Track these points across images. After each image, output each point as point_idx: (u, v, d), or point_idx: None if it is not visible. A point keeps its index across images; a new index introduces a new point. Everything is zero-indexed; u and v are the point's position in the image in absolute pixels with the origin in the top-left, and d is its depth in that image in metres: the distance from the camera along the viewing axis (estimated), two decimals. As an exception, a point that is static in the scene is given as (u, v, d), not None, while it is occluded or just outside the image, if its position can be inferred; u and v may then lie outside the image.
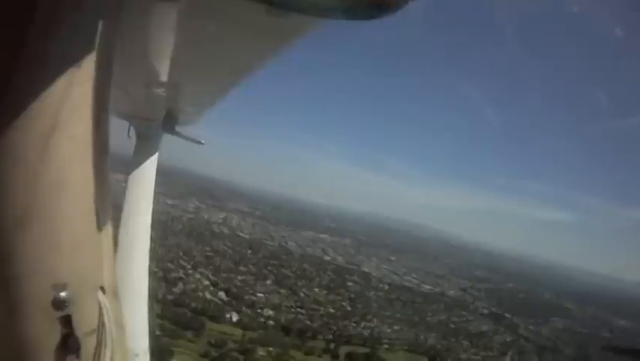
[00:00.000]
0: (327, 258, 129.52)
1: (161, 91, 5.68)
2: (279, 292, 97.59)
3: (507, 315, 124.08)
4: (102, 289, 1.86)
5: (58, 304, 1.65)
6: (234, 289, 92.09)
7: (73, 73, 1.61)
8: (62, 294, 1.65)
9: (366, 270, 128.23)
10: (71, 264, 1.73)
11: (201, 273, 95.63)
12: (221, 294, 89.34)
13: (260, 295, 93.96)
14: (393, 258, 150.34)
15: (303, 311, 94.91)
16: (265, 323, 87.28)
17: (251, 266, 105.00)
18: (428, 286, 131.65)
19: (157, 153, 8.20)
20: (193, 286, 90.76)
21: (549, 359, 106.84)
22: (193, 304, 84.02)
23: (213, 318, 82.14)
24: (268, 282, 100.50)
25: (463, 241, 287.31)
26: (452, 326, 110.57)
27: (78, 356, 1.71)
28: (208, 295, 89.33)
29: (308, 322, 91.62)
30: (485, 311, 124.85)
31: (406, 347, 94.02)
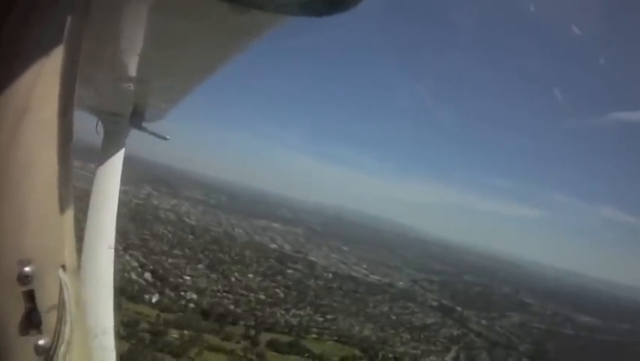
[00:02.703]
0: (274, 246, 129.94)
1: (128, 86, 5.94)
2: (209, 277, 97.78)
3: (458, 308, 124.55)
4: (63, 267, 2.00)
5: (23, 278, 1.79)
6: (161, 271, 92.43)
7: (43, 62, 1.75)
8: (26, 269, 1.79)
9: (312, 259, 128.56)
10: (36, 242, 1.87)
11: (131, 255, 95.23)
12: (147, 275, 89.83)
13: (187, 278, 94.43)
14: (345, 248, 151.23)
15: (229, 296, 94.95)
16: (186, 305, 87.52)
17: (187, 250, 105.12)
18: (376, 277, 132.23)
19: (124, 149, 8.41)
20: (120, 267, 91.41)
21: (501, 355, 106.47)
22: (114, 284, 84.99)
23: (132, 298, 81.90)
24: (200, 266, 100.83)
25: (422, 234, 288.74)
26: (394, 317, 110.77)
27: (39, 330, 1.86)
28: (134, 276, 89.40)
29: (232, 307, 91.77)
30: (434, 304, 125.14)
31: (336, 338, 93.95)
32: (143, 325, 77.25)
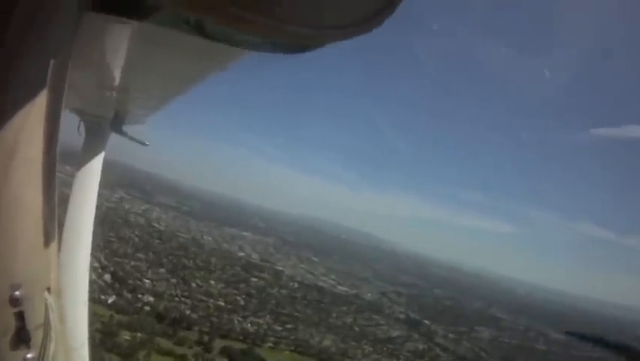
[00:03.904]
0: (241, 254, 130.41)
1: (111, 93, 6.45)
2: (169, 281, 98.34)
3: (426, 322, 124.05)
4: (48, 290, 2.24)
5: (14, 301, 1.99)
6: (121, 273, 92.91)
7: (29, 106, 1.91)
8: (17, 293, 1.99)
9: (279, 268, 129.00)
10: (25, 268, 2.09)
11: (94, 256, 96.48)
12: (107, 276, 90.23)
13: (147, 281, 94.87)
14: (315, 259, 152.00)
15: (187, 301, 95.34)
16: (141, 308, 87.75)
17: (151, 254, 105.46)
18: (344, 288, 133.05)
19: (103, 152, 9.09)
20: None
21: None
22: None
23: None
24: (162, 270, 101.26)
25: (395, 247, 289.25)
26: (357, 329, 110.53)
27: (28, 346, 2.08)
28: (93, 277, 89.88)
29: (188, 312, 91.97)
30: (401, 316, 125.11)
31: (293, 348, 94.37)
32: (96, 325, 75.52)
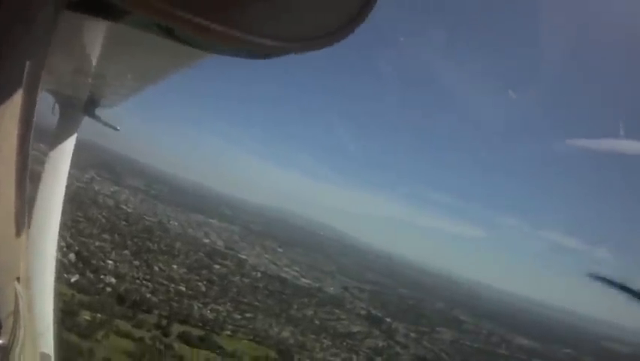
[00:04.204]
0: (206, 241, 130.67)
1: (86, 78, 6.61)
2: (132, 263, 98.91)
3: (387, 319, 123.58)
4: (18, 279, 2.38)
5: None
6: (86, 253, 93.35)
7: (4, 107, 1.89)
8: None
9: (243, 257, 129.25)
10: None
11: (60, 234, 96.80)
12: (71, 256, 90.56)
13: (110, 262, 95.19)
14: (280, 250, 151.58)
15: (149, 285, 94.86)
16: (103, 289, 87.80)
17: (116, 236, 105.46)
18: (307, 280, 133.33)
19: (76, 134, 9.37)
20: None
21: None
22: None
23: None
24: (126, 252, 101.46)
25: (362, 244, 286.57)
26: (317, 322, 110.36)
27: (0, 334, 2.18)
28: (58, 256, 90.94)
29: (149, 295, 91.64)
30: (362, 312, 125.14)
31: (252, 337, 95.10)
32: (58, 304, 78.31)
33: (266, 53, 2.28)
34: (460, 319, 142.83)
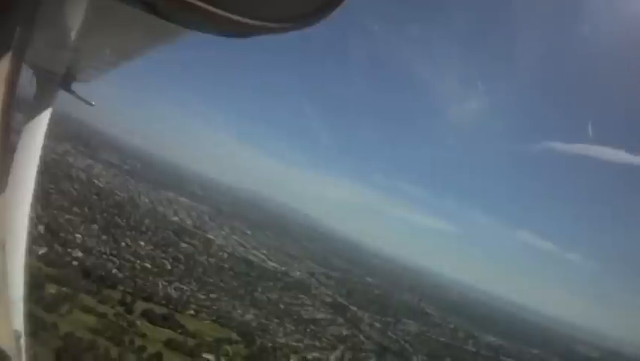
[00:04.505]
0: (175, 219, 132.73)
1: (65, 52, 6.71)
2: (100, 238, 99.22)
3: (353, 308, 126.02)
4: None
5: None
6: (54, 226, 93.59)
7: None
8: None
9: (211, 237, 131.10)
10: None
11: (32, 206, 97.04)
12: (41, 227, 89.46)
13: (78, 236, 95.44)
14: (248, 232, 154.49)
15: (115, 260, 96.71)
16: (70, 262, 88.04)
17: (86, 209, 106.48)
18: (274, 264, 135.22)
19: (51, 106, 9.20)
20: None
21: None
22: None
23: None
24: (94, 226, 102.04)
25: (331, 231, 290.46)
26: (282, 306, 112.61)
27: None
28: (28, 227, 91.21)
29: (115, 271, 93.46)
30: (328, 299, 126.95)
31: (214, 318, 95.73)
32: (25, 276, 79.03)
33: (246, 33, 2.42)
34: (427, 312, 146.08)
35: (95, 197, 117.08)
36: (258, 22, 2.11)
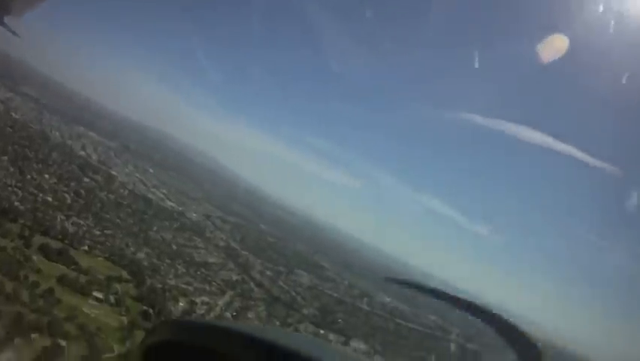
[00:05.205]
0: (82, 153, 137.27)
1: None
2: (7, 170, 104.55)
3: (246, 253, 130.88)
4: None
5: None
6: None
7: None
8: None
9: (114, 173, 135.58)
10: None
11: None
12: None
13: None
14: (151, 170, 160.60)
15: (19, 193, 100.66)
16: None
17: None
18: (171, 203, 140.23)
19: None
20: None
21: (281, 312, 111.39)
22: None
23: None
24: (4, 158, 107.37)
25: (234, 176, 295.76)
26: (174, 247, 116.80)
27: None
28: None
29: (17, 203, 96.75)
30: (221, 243, 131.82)
31: (107, 255, 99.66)
32: None
33: None
34: (321, 265, 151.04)
35: (9, 129, 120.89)
36: None
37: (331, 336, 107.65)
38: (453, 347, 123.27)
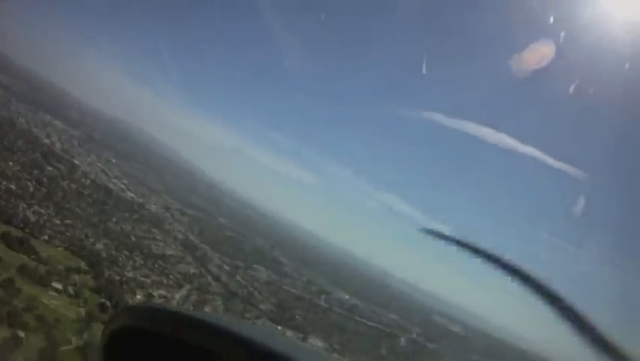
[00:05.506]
0: (46, 141, 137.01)
1: None
2: None
3: (204, 246, 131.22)
4: None
5: None
6: None
7: None
8: None
9: (76, 162, 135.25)
10: None
11: None
12: None
13: None
14: (114, 160, 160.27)
15: None
16: None
17: None
18: (132, 195, 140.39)
19: None
20: None
21: (238, 307, 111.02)
22: None
23: None
24: None
25: (196, 168, 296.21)
26: (133, 238, 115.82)
27: None
28: None
29: None
30: (180, 236, 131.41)
31: (67, 245, 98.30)
32: None
33: None
34: (280, 260, 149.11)
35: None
36: None
37: (289, 333, 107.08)
38: (412, 345, 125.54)
